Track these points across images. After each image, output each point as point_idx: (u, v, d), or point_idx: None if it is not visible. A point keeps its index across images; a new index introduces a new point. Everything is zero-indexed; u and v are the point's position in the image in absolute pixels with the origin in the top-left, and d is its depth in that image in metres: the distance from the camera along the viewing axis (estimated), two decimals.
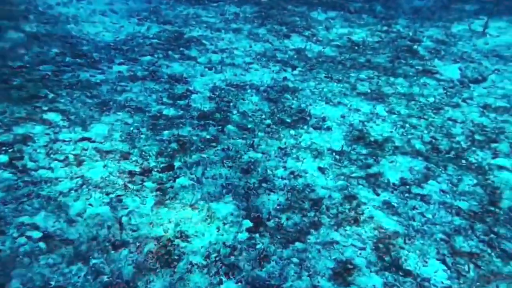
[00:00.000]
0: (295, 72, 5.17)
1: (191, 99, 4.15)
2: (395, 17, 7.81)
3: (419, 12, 8.17)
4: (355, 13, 7.90)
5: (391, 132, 3.97)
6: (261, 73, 5.05)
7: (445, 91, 4.85)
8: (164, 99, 4.06)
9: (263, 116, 4.09)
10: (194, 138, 3.48)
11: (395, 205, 2.93)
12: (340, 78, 5.08)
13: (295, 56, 5.63)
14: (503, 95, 4.74)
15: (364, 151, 3.65)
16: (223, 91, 4.42)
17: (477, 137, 3.85)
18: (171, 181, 2.92)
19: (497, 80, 5.13)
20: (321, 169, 3.34)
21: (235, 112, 4.07)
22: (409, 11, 8.24)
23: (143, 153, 3.14)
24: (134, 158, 3.08)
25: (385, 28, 7.14)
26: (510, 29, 7.11)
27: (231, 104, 4.21)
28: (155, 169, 3.01)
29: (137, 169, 2.97)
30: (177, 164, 3.13)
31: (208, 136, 3.54)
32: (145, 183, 2.83)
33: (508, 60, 5.76)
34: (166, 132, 3.48)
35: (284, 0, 8.12)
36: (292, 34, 6.44)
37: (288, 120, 4.09)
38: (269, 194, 2.96)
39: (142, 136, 3.35)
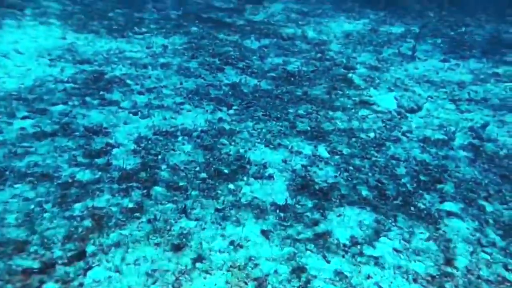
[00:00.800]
0: (231, 111, 4.78)
1: (112, 155, 3.58)
2: (328, 43, 7.77)
3: (350, 36, 8.23)
4: (288, 40, 7.75)
5: (336, 177, 3.69)
6: (193, 115, 4.60)
7: (384, 124, 4.71)
8: (79, 159, 3.44)
9: (197, 169, 3.63)
10: (113, 209, 2.91)
11: (348, 274, 2.59)
12: (279, 115, 4.77)
13: (230, 92, 5.25)
14: (439, 125, 4.70)
15: (309, 204, 3.31)
16: (150, 142, 3.89)
17: (422, 177, 3.68)
18: (81, 276, 2.35)
19: (431, 109, 5.12)
20: (265, 233, 2.94)
21: (164, 167, 3.56)
22: (340, 36, 8.28)
23: (45, 240, 2.53)
24: (32, 249, 2.46)
25: (319, 55, 7.04)
26: (436, 52, 7.34)
27: (160, 157, 3.69)
28: (60, 262, 2.41)
29: (36, 265, 2.35)
30: (90, 249, 2.55)
31: (130, 205, 2.99)
32: (44, 286, 2.22)
33: (438, 85, 5.83)
34: (77, 205, 2.89)
35: (215, 29, 7.77)
36: (226, 67, 6.08)
37: (226, 171, 3.66)
38: (205, 278, 2.48)
39: (46, 215, 2.73)
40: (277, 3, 10.76)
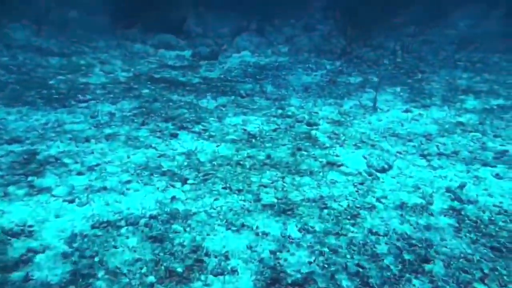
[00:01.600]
0: (186, 186, 4.23)
1: (34, 264, 2.90)
2: (287, 97, 7.54)
3: (309, 89, 8.07)
4: (246, 97, 7.45)
5: (310, 264, 3.17)
6: (142, 195, 4.00)
7: (356, 189, 4.31)
8: None
9: (144, 270, 3.00)
10: None
11: None
12: (241, 186, 4.27)
13: (186, 163, 4.73)
14: (414, 186, 4.36)
15: None
16: (86, 239, 3.24)
17: (406, 256, 3.24)
18: None
19: (402, 167, 4.81)
20: None
21: (101, 273, 2.90)
22: (300, 89, 8.10)
23: None
24: None
25: (279, 111, 6.74)
26: (397, 101, 7.25)
27: (97, 259, 3.04)
28: None
29: None
30: None
31: None
32: None
33: (405, 139, 5.60)
34: None
35: (168, 89, 7.37)
36: (180, 132, 5.59)
37: (180, 269, 3.05)
38: None
39: None
40: (232, 57, 10.63)
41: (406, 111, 6.69)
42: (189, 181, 4.33)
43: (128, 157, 4.74)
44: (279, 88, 8.06)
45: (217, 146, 5.26)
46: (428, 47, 11.44)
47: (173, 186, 4.21)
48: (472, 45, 11.06)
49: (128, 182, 4.22)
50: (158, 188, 4.16)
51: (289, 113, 6.66)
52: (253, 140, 5.53)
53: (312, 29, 13.27)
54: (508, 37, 11.15)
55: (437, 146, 5.25)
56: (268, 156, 5.05)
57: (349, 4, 11.24)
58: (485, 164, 4.72)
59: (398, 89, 7.91)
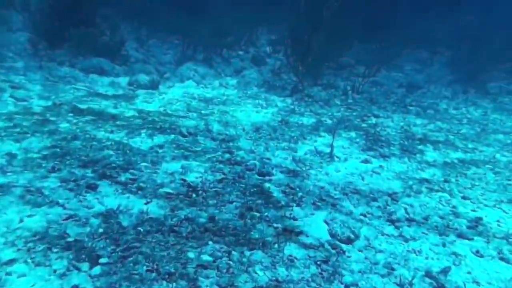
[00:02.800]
0: (96, 269, 3.11)
1: None
2: (236, 138, 6.67)
3: (260, 129, 7.28)
4: (189, 136, 6.47)
5: None
6: (27, 284, 2.82)
7: (319, 270, 3.46)
8: None
9: None
10: None
11: None
12: (173, 268, 3.23)
13: (101, 229, 3.60)
14: (387, 265, 3.61)
15: None
16: None
17: None
18: None
19: (370, 236, 4.07)
20: None
21: None
22: (249, 129, 7.29)
23: None
24: None
25: (227, 155, 5.83)
26: (353, 149, 6.68)
27: None
28: None
29: None
30: None
31: None
32: None
33: (368, 197, 4.93)
34: None
35: (94, 124, 6.18)
36: (101, 182, 4.45)
37: None
38: None
39: None
40: (175, 87, 9.65)
41: (365, 161, 6.10)
42: (101, 260, 3.21)
43: (21, 220, 3.52)
44: (226, 127, 7.19)
45: (147, 203, 4.19)
46: (378, 89, 11.33)
47: (77, 268, 3.07)
48: (419, 90, 11.11)
49: (12, 262, 3.01)
50: (55, 272, 2.99)
51: (238, 158, 5.77)
52: (194, 195, 4.53)
53: (261, 63, 12.74)
54: (452, 84, 11.39)
55: (405, 208, 4.62)
56: (212, 219, 4.07)
57: (298, 40, 10.86)
58: (460, 235, 4.12)
59: (353, 134, 7.39)
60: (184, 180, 4.86)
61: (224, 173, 5.21)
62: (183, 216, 4.02)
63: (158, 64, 11.34)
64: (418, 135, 7.51)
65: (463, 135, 7.61)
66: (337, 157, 6.25)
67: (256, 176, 5.30)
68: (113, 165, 4.97)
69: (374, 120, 8.37)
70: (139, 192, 4.42)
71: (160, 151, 5.71)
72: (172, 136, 6.34)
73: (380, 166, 5.87)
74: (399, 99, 10.21)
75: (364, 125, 8.03)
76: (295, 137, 6.99)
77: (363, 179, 5.49)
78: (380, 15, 13.73)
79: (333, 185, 5.19)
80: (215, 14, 15.51)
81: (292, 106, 9.07)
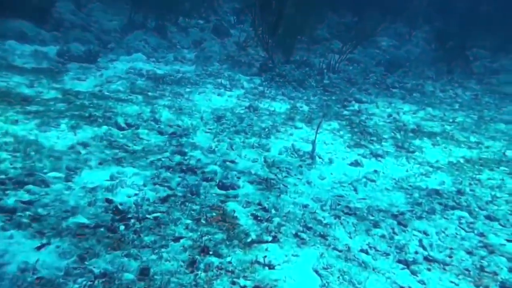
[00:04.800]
0: None
1: None
2: (192, 131, 5.15)
3: (222, 118, 5.79)
4: (128, 128, 4.86)
5: None
6: None
7: None
8: None
9: None
10: None
11: None
12: None
13: None
14: None
15: None
16: None
17: None
18: None
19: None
20: None
21: None
22: (209, 117, 5.77)
23: None
24: None
25: (177, 158, 4.34)
26: (338, 144, 5.36)
27: None
28: None
29: None
30: None
31: None
32: None
33: (366, 220, 3.64)
34: None
35: None
36: None
37: None
38: None
39: None
40: (119, 62, 7.86)
41: (355, 163, 4.81)
42: None
43: None
44: (179, 115, 5.63)
45: (40, 248, 2.66)
46: (355, 67, 10.05)
47: None
48: (400, 69, 9.95)
49: None
50: None
51: (193, 161, 4.28)
52: (121, 228, 3.04)
53: (224, 34, 11.06)
54: (436, 62, 10.32)
55: (419, 240, 3.37)
56: (143, 272, 2.62)
57: (267, 8, 9.28)
58: (504, 286, 2.94)
59: (335, 124, 6.07)
60: (110, 202, 3.34)
61: (170, 188, 3.72)
62: (97, 272, 2.54)
63: (101, 32, 9.39)
64: (410, 125, 6.31)
65: (460, 124, 6.50)
66: (320, 157, 4.91)
67: (217, 189, 3.87)
68: (9, 174, 3.35)
69: (356, 105, 7.08)
70: (33, 225, 2.86)
71: (83, 151, 4.11)
72: (104, 128, 4.72)
73: (375, 171, 4.59)
74: (379, 80, 8.99)
75: (346, 112, 6.73)
76: (266, 130, 5.57)
77: (355, 190, 4.19)
78: None
79: (319, 201, 3.86)
80: None
81: (261, 88, 7.60)
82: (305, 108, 6.75)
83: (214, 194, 3.74)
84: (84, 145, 4.24)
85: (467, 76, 9.60)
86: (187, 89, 6.88)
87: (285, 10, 8.84)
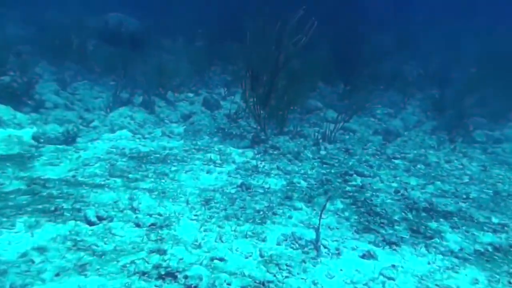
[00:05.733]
0: None
1: None
2: (174, 219, 4.45)
3: (211, 201, 5.11)
4: (99, 222, 4.15)
5: None
6: None
7: None
8: None
9: None
10: None
11: None
12: None
13: None
14: None
15: None
16: None
17: None
18: None
19: None
20: None
21: None
22: (196, 201, 5.10)
23: None
24: None
25: (155, 258, 3.59)
26: (344, 230, 4.64)
27: None
28: None
29: None
30: None
31: None
32: None
33: None
34: None
35: None
36: None
37: None
38: None
39: None
40: (101, 141, 7.32)
41: (368, 255, 4.06)
42: None
43: None
44: (162, 200, 4.95)
45: None
46: (351, 136, 9.63)
47: None
48: (399, 138, 9.54)
49: None
50: None
51: (173, 262, 3.53)
52: None
53: (215, 106, 10.77)
54: (435, 131, 9.96)
55: None
56: None
57: (258, 79, 9.06)
58: None
59: (339, 203, 5.41)
60: None
61: None
62: None
63: (85, 110, 9.01)
64: (421, 202, 5.65)
65: (476, 201, 5.85)
66: (325, 247, 4.18)
67: None
68: None
69: (359, 180, 6.47)
70: None
71: (38, 259, 3.37)
72: (71, 224, 4.01)
73: (392, 266, 3.84)
74: (378, 150, 8.49)
75: (348, 188, 6.09)
76: (261, 213, 4.87)
77: None
78: (346, 54, 12.45)
79: None
80: (161, 51, 13.58)
81: (254, 162, 7.02)
82: (303, 184, 6.12)
83: None
84: (41, 250, 3.50)
85: (469, 145, 9.18)
86: (173, 168, 6.28)
87: (276, 82, 8.60)
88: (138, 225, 4.25)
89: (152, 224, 4.29)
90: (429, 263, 3.98)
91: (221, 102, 11.21)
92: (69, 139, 6.90)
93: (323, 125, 9.97)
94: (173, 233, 4.18)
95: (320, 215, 4.24)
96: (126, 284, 3.13)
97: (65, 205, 4.41)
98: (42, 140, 6.71)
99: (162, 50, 14.16)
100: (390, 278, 3.64)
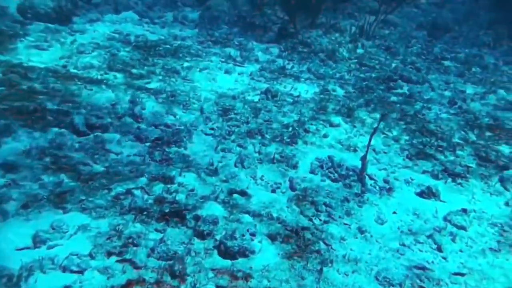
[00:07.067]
0: None
1: None
2: (184, 133, 3.49)
3: (229, 111, 4.07)
4: (90, 132, 3.21)
5: None
6: None
7: None
8: None
9: None
10: None
11: None
12: None
13: None
14: None
15: None
16: None
17: None
18: None
19: None
20: None
21: None
22: (211, 108, 4.06)
23: None
24: None
25: (159, 187, 2.72)
26: (392, 154, 3.64)
27: None
28: None
29: None
30: None
31: None
32: None
33: None
34: None
35: None
36: None
37: None
38: None
39: None
40: (101, 22, 5.98)
41: (428, 193, 3.11)
42: None
43: None
44: (170, 106, 3.90)
45: None
46: (392, 32, 8.04)
47: None
48: (447, 34, 7.93)
49: None
50: None
51: (181, 196, 2.65)
52: None
53: None
54: (492, 24, 8.18)
55: None
56: None
57: None
58: None
59: (382, 122, 4.31)
60: None
61: (136, 264, 2.11)
62: None
63: None
64: (483, 118, 4.52)
65: None
66: (371, 178, 3.23)
67: (216, 257, 2.25)
68: None
69: (405, 87, 5.25)
70: None
71: (1, 181, 2.49)
72: (53, 132, 3.07)
73: (463, 210, 2.90)
74: (424, 48, 7.04)
75: (393, 97, 4.92)
76: (290, 128, 3.84)
77: (440, 250, 2.55)
78: None
79: (388, 283, 2.24)
80: None
81: (281, 61, 5.75)
82: (339, 91, 4.96)
83: (210, 272, 2.13)
84: (10, 169, 2.61)
85: None
86: (186, 64, 5.10)
87: None
88: (139, 139, 3.29)
89: (157, 138, 3.32)
90: (507, 204, 3.05)
91: None
92: (62, 16, 5.60)
93: (359, 16, 8.31)
94: (183, 151, 3.24)
95: (369, 141, 3.19)
96: (117, 227, 2.28)
97: (48, 106, 3.42)
98: (29, 15, 5.43)
99: None
100: (460, 227, 2.74)
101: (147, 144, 3.25)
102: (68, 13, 5.66)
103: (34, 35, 4.93)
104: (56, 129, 3.11)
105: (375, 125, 4.13)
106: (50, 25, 5.36)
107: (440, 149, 3.79)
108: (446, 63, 6.52)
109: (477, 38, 7.76)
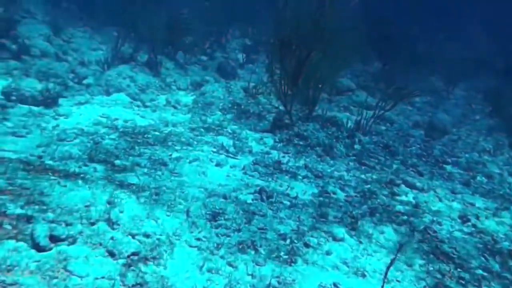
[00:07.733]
0: None
1: None
2: (164, 248, 2.99)
3: (219, 216, 3.63)
4: (48, 249, 2.70)
5: None
6: None
7: None
8: None
9: None
10: None
11: None
12: None
13: None
14: None
15: None
16: None
17: None
18: None
19: None
20: None
21: None
22: (198, 211, 3.62)
23: None
24: None
25: None
26: (407, 283, 3.17)
27: None
28: None
29: None
30: None
31: None
32: None
33: None
34: None
35: None
36: None
37: None
38: None
39: None
40: (91, 104, 5.73)
41: None
42: None
43: None
44: (152, 208, 3.46)
45: None
46: (388, 128, 8.01)
47: None
48: (445, 135, 7.91)
49: None
50: None
51: None
52: None
53: (230, 75, 9.09)
54: (491, 130, 8.27)
55: None
56: None
57: (287, 47, 7.30)
58: None
59: (391, 232, 3.89)
60: None
61: None
62: None
63: (80, 63, 7.39)
64: (503, 241, 4.14)
65: None
66: None
67: None
68: None
69: (410, 194, 4.94)
70: None
71: None
72: (8, 246, 2.55)
73: None
74: (424, 149, 6.90)
75: (398, 206, 4.57)
76: (288, 241, 3.39)
77: None
78: (385, 27, 10.53)
79: None
80: (175, 4, 11.66)
81: (276, 153, 5.48)
82: (340, 194, 4.61)
83: None
84: None
85: None
86: (175, 154, 4.76)
87: (310, 55, 6.84)
88: (111, 254, 2.78)
89: (133, 254, 2.82)
90: None
91: (238, 70, 9.51)
92: (49, 100, 5.34)
93: (354, 109, 8.35)
94: (162, 271, 2.72)
95: (386, 274, 2.74)
96: None
97: (10, 208, 2.93)
98: (13, 98, 5.16)
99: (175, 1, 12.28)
100: None
101: (119, 261, 2.74)
102: (56, 95, 5.42)
103: (14, 120, 4.60)
104: (11, 243, 2.60)
105: (382, 240, 3.72)
106: (34, 108, 5.08)
107: (462, 282, 3.33)
108: (448, 168, 6.30)
109: (477, 144, 7.72)
